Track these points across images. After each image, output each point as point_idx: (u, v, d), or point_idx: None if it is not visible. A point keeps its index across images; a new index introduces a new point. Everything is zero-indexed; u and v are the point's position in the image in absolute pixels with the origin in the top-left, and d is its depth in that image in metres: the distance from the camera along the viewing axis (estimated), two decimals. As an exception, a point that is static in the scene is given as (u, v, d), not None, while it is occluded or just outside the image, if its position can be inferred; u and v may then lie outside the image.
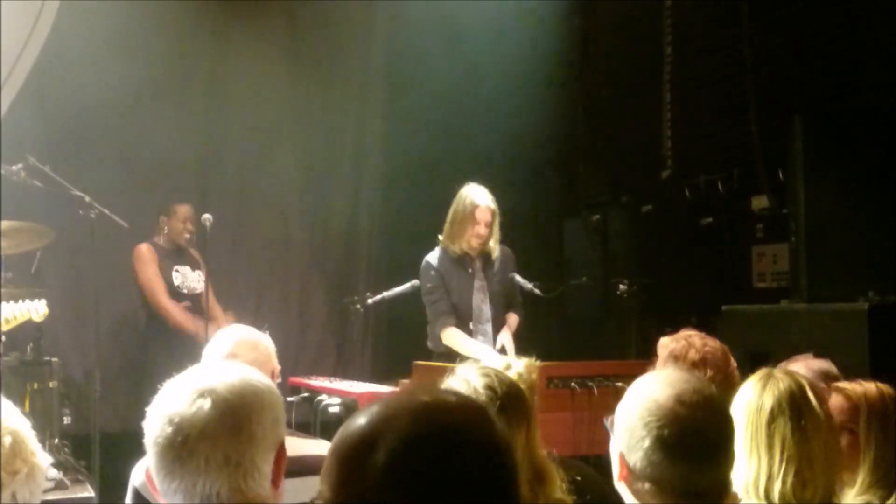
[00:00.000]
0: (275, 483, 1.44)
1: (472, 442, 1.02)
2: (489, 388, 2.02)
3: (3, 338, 4.63)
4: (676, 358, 2.53)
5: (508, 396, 2.01)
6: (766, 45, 5.29)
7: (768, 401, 1.93)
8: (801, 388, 1.96)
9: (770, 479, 1.87)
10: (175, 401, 1.39)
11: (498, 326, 4.57)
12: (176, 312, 5.32)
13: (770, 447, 1.89)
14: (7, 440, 1.56)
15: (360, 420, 1.05)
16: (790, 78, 5.17)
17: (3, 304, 4.23)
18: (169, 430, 1.37)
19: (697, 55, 6.02)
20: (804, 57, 5.08)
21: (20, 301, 4.24)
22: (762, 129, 5.10)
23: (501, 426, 1.06)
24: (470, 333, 4.49)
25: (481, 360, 3.97)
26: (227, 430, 1.37)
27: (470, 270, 4.55)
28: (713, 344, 2.58)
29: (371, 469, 0.99)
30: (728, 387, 2.46)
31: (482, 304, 4.53)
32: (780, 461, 1.87)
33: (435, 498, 0.98)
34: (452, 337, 4.41)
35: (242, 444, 1.38)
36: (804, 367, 2.76)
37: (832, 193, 4.09)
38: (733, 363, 2.57)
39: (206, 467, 1.36)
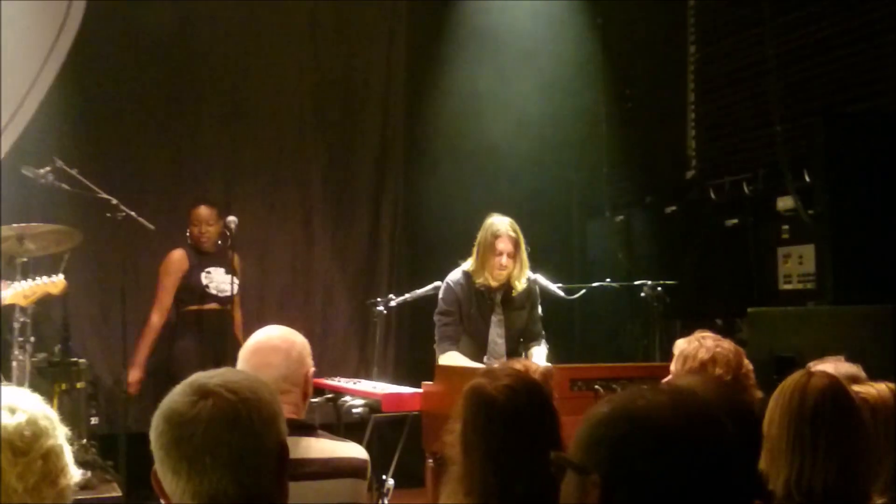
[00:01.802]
0: (279, 480, 1.47)
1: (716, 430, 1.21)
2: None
3: (32, 338, 4.71)
4: (686, 358, 2.55)
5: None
6: (789, 45, 5.26)
7: (811, 399, 1.94)
8: (842, 387, 1.98)
9: (814, 476, 1.89)
10: (177, 404, 1.44)
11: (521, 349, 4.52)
12: (148, 334, 5.41)
13: (815, 445, 1.91)
14: (38, 464, 1.60)
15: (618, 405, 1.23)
16: (814, 78, 5.13)
17: (21, 280, 4.29)
18: (174, 431, 1.42)
19: (721, 55, 5.99)
20: (828, 57, 5.04)
21: (38, 278, 4.31)
22: (787, 130, 5.06)
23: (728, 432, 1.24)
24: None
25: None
26: (229, 428, 1.41)
27: (489, 302, 4.48)
28: (726, 345, 2.58)
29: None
30: (740, 389, 2.46)
31: (497, 339, 4.47)
32: (825, 459, 1.89)
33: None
34: (451, 360, 4.36)
35: (246, 440, 1.42)
36: (832, 368, 2.75)
37: (858, 194, 4.05)
38: (747, 366, 2.57)
39: (213, 465, 1.40)
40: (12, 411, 1.63)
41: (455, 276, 4.51)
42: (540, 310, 4.64)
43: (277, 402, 1.50)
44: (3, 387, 1.72)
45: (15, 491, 1.57)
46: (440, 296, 4.52)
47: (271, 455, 1.45)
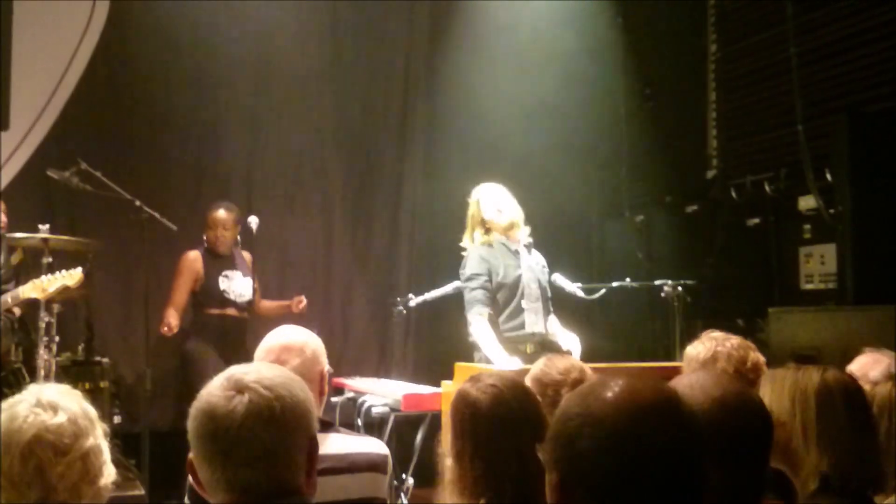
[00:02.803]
0: (308, 474, 1.53)
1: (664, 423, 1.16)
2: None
3: (57, 338, 4.76)
4: (690, 361, 2.57)
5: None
6: (811, 43, 5.23)
7: (838, 398, 1.97)
8: (856, 383, 2.01)
9: (841, 471, 1.90)
10: (215, 398, 1.50)
11: (547, 310, 4.53)
12: (169, 320, 5.29)
13: (840, 442, 1.92)
14: (78, 465, 1.63)
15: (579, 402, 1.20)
16: (836, 77, 5.10)
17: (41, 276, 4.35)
18: (211, 425, 1.48)
19: (743, 54, 5.96)
20: (850, 56, 5.00)
21: (56, 272, 4.35)
22: (808, 129, 5.04)
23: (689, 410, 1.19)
24: (521, 311, 4.43)
25: (496, 363, 4.02)
26: (264, 423, 1.47)
27: (515, 250, 4.51)
28: (729, 343, 2.58)
29: (581, 445, 1.16)
30: (747, 382, 2.46)
31: (531, 283, 4.46)
32: (850, 453, 1.91)
33: (635, 467, 1.13)
34: (479, 329, 4.33)
35: (279, 436, 1.48)
36: (871, 362, 2.75)
37: (880, 193, 4.02)
38: (754, 359, 2.57)
39: (246, 458, 1.46)
40: (55, 411, 1.67)
41: (474, 243, 4.54)
42: (561, 278, 4.67)
43: (310, 399, 1.56)
44: (44, 384, 1.76)
45: (55, 489, 1.61)
46: (464, 264, 4.51)
47: (302, 450, 1.51)
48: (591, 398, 1.17)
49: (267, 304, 5.71)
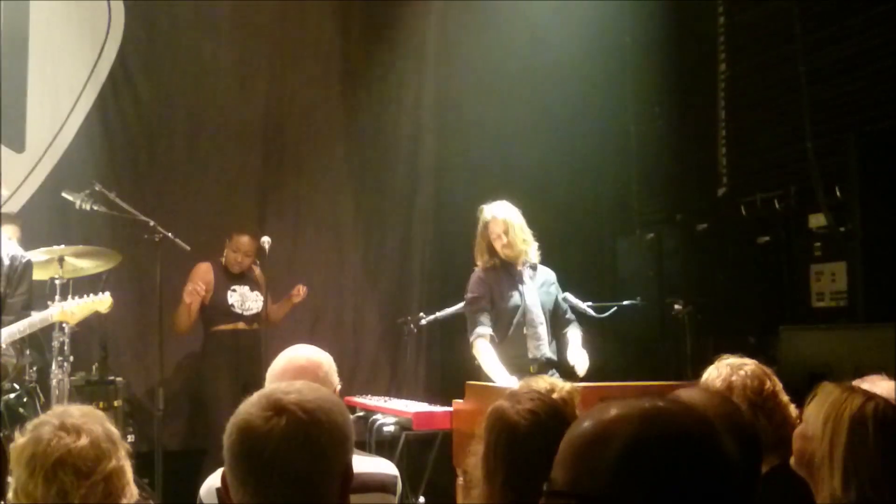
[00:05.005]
0: (341, 501, 1.50)
1: (696, 449, 1.08)
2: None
3: (71, 357, 4.80)
4: (707, 388, 2.52)
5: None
6: (821, 61, 5.24)
7: (873, 424, 1.97)
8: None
9: (863, 491, 1.91)
10: (252, 416, 1.47)
11: (551, 331, 4.55)
12: (181, 314, 5.40)
13: (872, 465, 1.93)
14: (101, 486, 1.65)
15: (595, 417, 1.14)
16: (846, 94, 5.10)
17: (69, 298, 4.35)
18: (246, 443, 1.45)
19: (752, 72, 5.97)
20: (860, 73, 5.01)
21: (85, 296, 4.37)
22: (818, 146, 5.04)
23: (726, 439, 1.12)
24: (524, 338, 4.47)
25: (497, 382, 4.04)
26: (299, 448, 1.44)
27: (518, 276, 4.54)
28: (743, 371, 2.51)
29: (602, 463, 1.08)
30: (764, 412, 2.43)
31: (533, 308, 4.50)
32: (880, 476, 1.93)
33: (658, 496, 1.05)
34: (482, 351, 4.39)
35: (314, 461, 1.45)
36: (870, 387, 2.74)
37: (890, 211, 4.01)
38: (770, 387, 2.52)
39: (279, 482, 1.43)
40: (77, 434, 1.69)
41: (479, 265, 4.59)
42: (571, 296, 4.68)
43: (349, 424, 1.53)
44: (68, 405, 1.78)
45: None
46: (468, 286, 4.58)
47: (337, 477, 1.48)
48: (661, 419, 1.11)
49: (273, 308, 5.73)
